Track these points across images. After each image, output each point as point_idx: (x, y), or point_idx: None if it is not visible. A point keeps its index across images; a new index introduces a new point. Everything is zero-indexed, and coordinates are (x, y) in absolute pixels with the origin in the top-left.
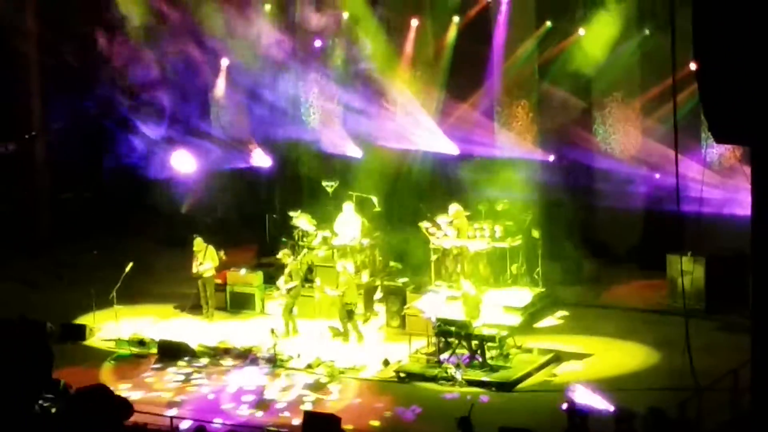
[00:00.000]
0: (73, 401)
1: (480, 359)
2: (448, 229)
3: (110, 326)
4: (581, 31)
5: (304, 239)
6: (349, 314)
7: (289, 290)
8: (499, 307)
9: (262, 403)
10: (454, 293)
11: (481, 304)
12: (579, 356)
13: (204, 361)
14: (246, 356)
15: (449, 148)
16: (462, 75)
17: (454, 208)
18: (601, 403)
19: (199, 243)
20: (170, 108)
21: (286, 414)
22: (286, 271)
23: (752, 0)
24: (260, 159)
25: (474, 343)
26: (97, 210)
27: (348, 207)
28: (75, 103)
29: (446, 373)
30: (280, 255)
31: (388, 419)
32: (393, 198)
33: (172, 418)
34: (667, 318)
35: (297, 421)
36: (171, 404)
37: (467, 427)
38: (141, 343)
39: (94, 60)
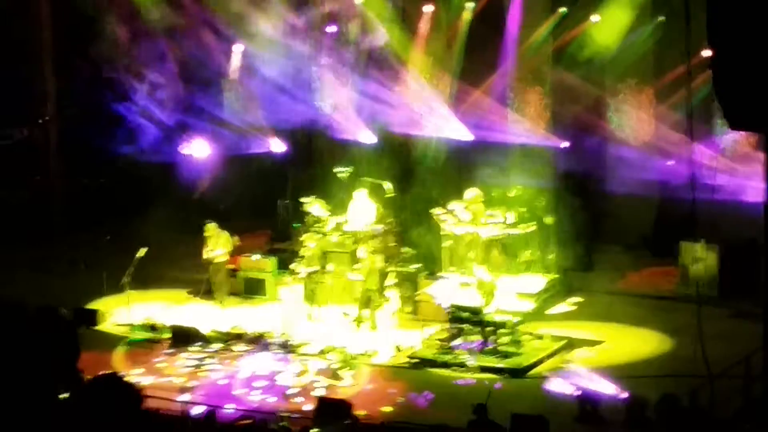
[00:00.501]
0: (83, 390)
1: (492, 345)
2: (464, 213)
3: (123, 311)
4: (595, 18)
5: (317, 225)
6: (367, 301)
7: (309, 274)
8: (511, 293)
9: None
10: (467, 279)
11: (496, 290)
12: (591, 343)
13: (216, 346)
14: (258, 342)
15: (463, 134)
16: (475, 61)
17: (473, 192)
18: (611, 390)
19: (210, 228)
20: (184, 94)
21: (299, 399)
22: (307, 255)
23: None
24: (274, 145)
25: (487, 329)
26: (111, 196)
27: (361, 193)
28: (89, 89)
29: (458, 359)
30: (303, 237)
31: (400, 405)
32: (406, 184)
33: (184, 403)
34: (679, 305)
35: (309, 406)
36: (183, 390)
37: (483, 414)
38: (153, 328)
39: (108, 45)
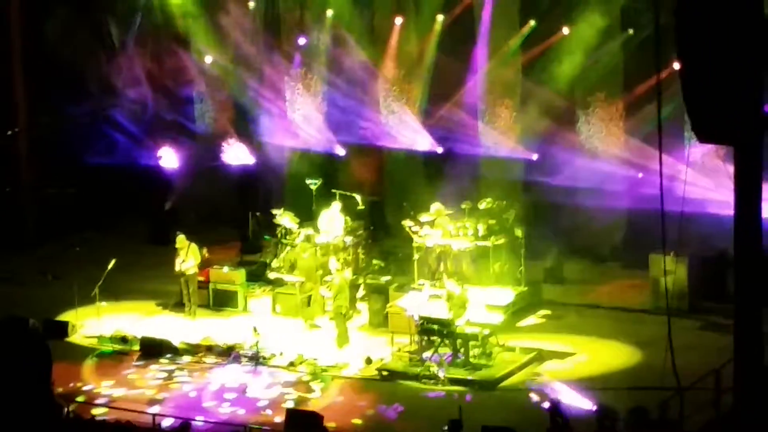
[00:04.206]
0: None
1: (462, 357)
2: (428, 228)
3: (93, 323)
4: (565, 31)
5: (287, 237)
6: (340, 316)
7: (301, 284)
8: (481, 305)
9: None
10: (437, 292)
11: (467, 302)
12: (561, 355)
13: (186, 358)
14: (228, 354)
15: (433, 146)
16: (446, 73)
17: (435, 206)
18: (582, 402)
19: (181, 240)
20: (154, 105)
21: (269, 412)
22: (298, 266)
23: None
24: (244, 156)
25: (457, 341)
26: (82, 206)
27: (332, 205)
28: (59, 99)
29: (429, 371)
30: (298, 249)
31: (370, 417)
32: (376, 196)
33: (154, 415)
34: (649, 317)
35: (279, 418)
36: (153, 402)
37: (458, 430)
38: (123, 340)
39: (80, 56)
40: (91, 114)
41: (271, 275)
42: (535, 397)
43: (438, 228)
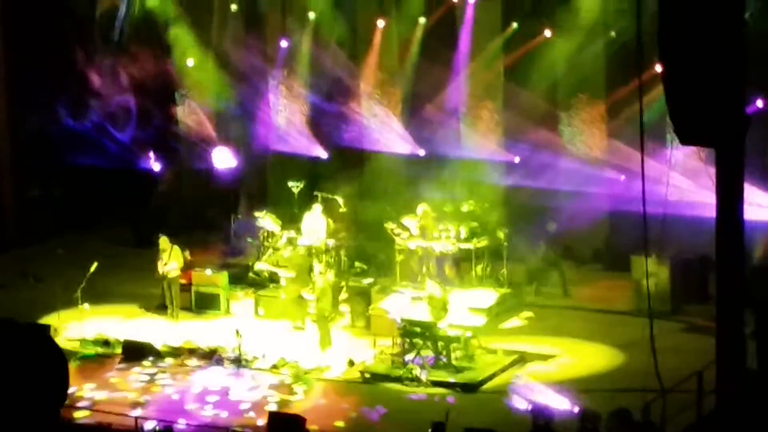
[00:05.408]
0: None
1: (445, 360)
2: (415, 229)
3: (75, 326)
4: (547, 33)
5: (269, 240)
6: (323, 318)
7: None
8: (464, 308)
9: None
10: (419, 294)
11: (448, 305)
12: (544, 357)
13: (169, 361)
14: (211, 356)
15: (414, 149)
16: (428, 76)
17: (422, 208)
18: (564, 404)
19: (164, 241)
20: (138, 108)
21: (251, 414)
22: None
23: (716, 2)
24: (226, 159)
25: (439, 344)
26: (64, 209)
27: (314, 207)
28: (42, 103)
29: (411, 373)
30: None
31: (353, 420)
32: (358, 199)
33: (136, 418)
34: (632, 319)
35: (262, 421)
36: (135, 404)
37: None
38: (105, 343)
39: (62, 61)
40: (74, 117)
41: (261, 266)
42: (516, 399)
43: (424, 229)
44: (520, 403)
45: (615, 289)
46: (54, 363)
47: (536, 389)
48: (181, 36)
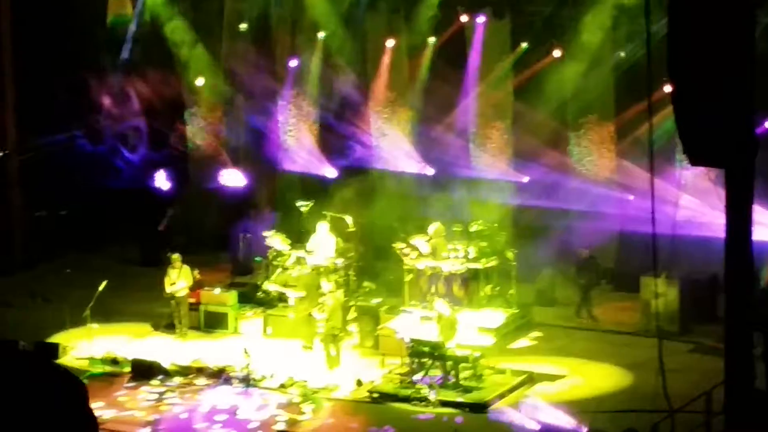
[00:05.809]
0: None
1: (453, 380)
2: (425, 247)
3: (84, 345)
4: (557, 53)
5: (278, 259)
6: (333, 338)
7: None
8: (472, 327)
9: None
10: (428, 314)
11: (457, 324)
12: (552, 377)
13: (177, 380)
14: (219, 375)
15: (423, 168)
16: (437, 96)
17: (434, 226)
18: (572, 425)
19: (176, 259)
20: (148, 127)
21: None
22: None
23: (726, 22)
24: (236, 179)
25: (448, 363)
26: (73, 228)
27: (322, 227)
28: (51, 123)
29: (419, 393)
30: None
31: None
32: (367, 218)
33: None
34: (640, 340)
35: None
36: (144, 423)
37: None
38: (114, 361)
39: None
40: (82, 137)
41: (271, 287)
42: (522, 419)
43: (432, 247)
44: (528, 424)
45: (624, 309)
46: (57, 388)
47: (544, 409)
48: (190, 56)
